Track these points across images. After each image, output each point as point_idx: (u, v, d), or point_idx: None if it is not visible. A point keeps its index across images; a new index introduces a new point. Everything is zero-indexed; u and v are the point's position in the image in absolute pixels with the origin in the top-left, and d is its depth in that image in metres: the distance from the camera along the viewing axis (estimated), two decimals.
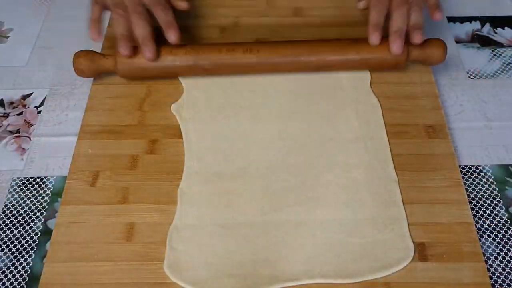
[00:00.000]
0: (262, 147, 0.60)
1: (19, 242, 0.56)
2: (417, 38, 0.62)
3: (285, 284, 0.50)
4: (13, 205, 0.59)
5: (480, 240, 0.54)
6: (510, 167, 0.61)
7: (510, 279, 0.53)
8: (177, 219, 0.55)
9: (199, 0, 0.78)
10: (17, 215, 0.58)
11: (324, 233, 0.53)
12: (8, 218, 0.58)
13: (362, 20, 0.75)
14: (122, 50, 0.62)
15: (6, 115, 0.67)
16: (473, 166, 0.61)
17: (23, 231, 0.57)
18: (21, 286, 0.53)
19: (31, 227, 0.57)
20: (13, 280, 0.53)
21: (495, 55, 0.73)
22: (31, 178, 0.61)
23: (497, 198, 0.58)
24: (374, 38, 0.62)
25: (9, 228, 0.57)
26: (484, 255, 0.54)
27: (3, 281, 0.53)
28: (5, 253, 0.55)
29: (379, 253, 0.52)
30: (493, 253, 0.54)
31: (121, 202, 0.57)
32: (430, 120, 0.63)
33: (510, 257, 0.54)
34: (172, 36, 0.63)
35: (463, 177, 0.59)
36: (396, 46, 0.62)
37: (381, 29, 0.62)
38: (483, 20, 0.77)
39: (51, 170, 0.61)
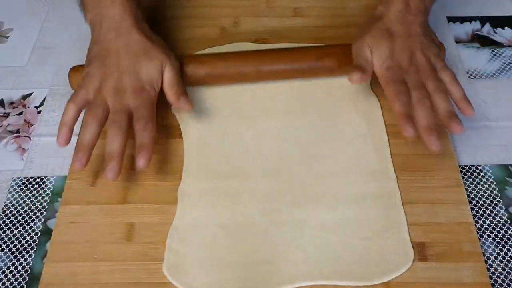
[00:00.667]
0: (262, 147, 0.61)
1: (19, 242, 0.56)
2: (457, 128, 0.56)
3: (285, 286, 0.50)
4: (13, 205, 0.59)
5: (480, 240, 0.54)
6: (510, 167, 0.61)
7: (510, 278, 0.53)
8: (176, 219, 0.55)
9: (198, 0, 0.78)
10: (17, 215, 0.58)
11: (324, 233, 0.53)
12: (8, 218, 0.58)
13: (362, 21, 0.76)
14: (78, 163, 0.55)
15: (6, 115, 0.67)
16: (473, 166, 0.61)
17: (23, 231, 0.57)
18: (21, 286, 0.53)
19: (31, 227, 0.57)
20: (13, 280, 0.53)
21: (495, 55, 0.73)
22: (31, 178, 0.61)
23: (497, 198, 0.58)
24: (410, 132, 0.55)
25: (9, 228, 0.57)
26: (484, 255, 0.54)
27: (3, 281, 0.53)
28: (5, 253, 0.55)
29: (379, 257, 0.52)
30: (493, 253, 0.54)
31: (121, 202, 0.57)
32: None
33: (510, 257, 0.54)
34: (140, 160, 0.54)
35: (463, 177, 0.59)
36: (432, 144, 0.55)
37: (410, 119, 0.56)
38: (483, 20, 0.77)
39: (51, 170, 0.61)
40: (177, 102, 0.61)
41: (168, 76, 0.61)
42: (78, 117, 0.58)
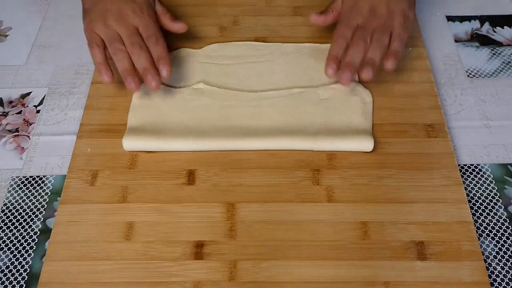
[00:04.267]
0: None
1: (19, 241, 0.56)
2: (365, 74, 0.61)
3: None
4: (12, 204, 0.59)
5: (479, 239, 0.55)
6: (509, 166, 0.61)
7: (509, 277, 0.53)
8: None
9: None
10: (16, 214, 0.58)
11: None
12: (8, 217, 0.58)
13: None
14: (129, 85, 0.62)
15: (5, 114, 0.67)
16: (472, 165, 0.61)
17: (22, 230, 0.57)
18: (20, 285, 0.53)
19: (30, 226, 0.57)
20: (13, 279, 0.53)
21: (494, 54, 0.73)
22: (30, 177, 0.61)
23: (496, 197, 0.58)
24: (330, 70, 0.62)
25: (8, 227, 0.57)
26: (483, 254, 0.54)
27: (2, 280, 0.53)
28: (4, 252, 0.55)
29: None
30: (492, 252, 0.54)
31: (120, 201, 0.57)
32: (429, 119, 0.63)
33: (509, 255, 0.54)
34: (164, 70, 0.62)
35: (462, 176, 0.59)
36: (343, 78, 0.61)
37: (338, 62, 0.62)
38: (482, 19, 0.77)
39: (50, 169, 0.61)
40: (172, 24, 0.68)
41: (159, 5, 0.68)
42: (105, 53, 0.63)
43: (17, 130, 0.66)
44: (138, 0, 0.66)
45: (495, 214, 0.57)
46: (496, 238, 0.55)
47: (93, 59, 0.64)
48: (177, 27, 0.68)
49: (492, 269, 0.53)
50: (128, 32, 0.63)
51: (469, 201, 0.57)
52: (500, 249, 0.55)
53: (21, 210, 0.58)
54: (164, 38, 0.65)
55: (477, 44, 0.74)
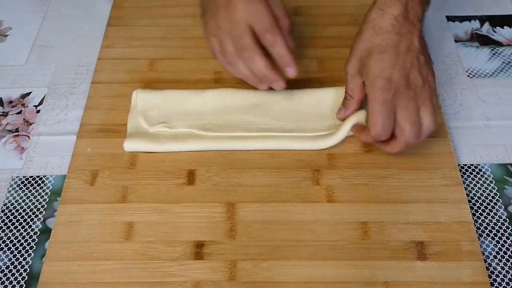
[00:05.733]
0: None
1: (19, 241, 0.56)
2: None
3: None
4: (12, 204, 0.59)
5: (479, 239, 0.55)
6: (509, 166, 0.61)
7: (509, 277, 0.53)
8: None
9: None
10: (16, 214, 0.58)
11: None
12: (8, 217, 0.58)
13: (361, 20, 0.76)
14: (262, 87, 0.61)
15: (5, 114, 0.67)
16: (472, 165, 0.61)
17: (22, 230, 0.57)
18: (20, 285, 0.53)
19: (30, 226, 0.57)
20: (13, 279, 0.53)
21: (494, 54, 0.73)
22: (30, 177, 0.61)
23: (496, 197, 0.58)
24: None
25: (8, 227, 0.57)
26: (483, 254, 0.54)
27: (2, 280, 0.53)
28: (4, 252, 0.55)
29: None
30: (492, 252, 0.54)
31: (120, 201, 0.57)
32: None
33: (509, 255, 0.54)
34: (289, 71, 0.58)
35: (462, 176, 0.59)
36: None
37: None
38: (482, 19, 0.77)
39: (50, 169, 0.61)
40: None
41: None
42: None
43: (17, 130, 0.66)
44: None
45: (495, 214, 0.57)
46: (496, 238, 0.55)
47: (257, 68, 0.58)
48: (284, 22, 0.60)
49: (492, 269, 0.53)
50: (236, 32, 0.57)
51: (469, 201, 0.57)
52: (500, 249, 0.55)
53: (21, 210, 0.58)
54: (279, 32, 0.57)
55: (477, 44, 0.74)
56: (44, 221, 0.57)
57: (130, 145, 0.61)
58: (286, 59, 0.58)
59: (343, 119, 0.61)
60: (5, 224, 0.57)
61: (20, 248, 0.55)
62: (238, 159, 0.60)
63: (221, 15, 0.57)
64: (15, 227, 0.57)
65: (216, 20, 0.58)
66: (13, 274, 0.54)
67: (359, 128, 0.60)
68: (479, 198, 0.58)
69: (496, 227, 0.56)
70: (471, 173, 0.60)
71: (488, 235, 0.56)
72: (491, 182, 0.60)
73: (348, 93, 0.59)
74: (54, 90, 0.70)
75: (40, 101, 0.68)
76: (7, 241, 0.56)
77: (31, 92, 0.69)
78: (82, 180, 0.59)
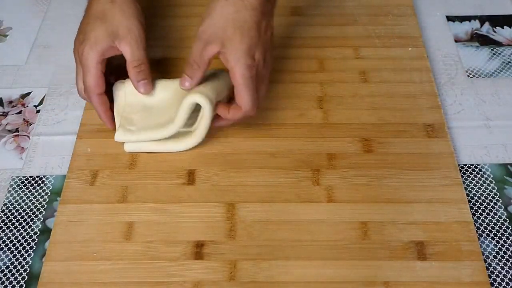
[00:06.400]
0: None
1: (18, 241, 0.56)
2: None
3: None
4: (12, 204, 0.59)
5: (479, 239, 0.54)
6: (509, 166, 0.61)
7: (509, 277, 0.53)
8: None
9: None
10: (16, 214, 0.58)
11: None
12: (7, 217, 0.58)
13: (361, 19, 0.76)
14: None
15: (5, 114, 0.67)
16: (472, 165, 0.61)
17: (22, 230, 0.57)
18: (20, 285, 0.53)
19: (30, 226, 0.57)
20: (12, 279, 0.53)
21: (494, 54, 0.73)
22: (30, 177, 0.61)
23: (496, 197, 0.58)
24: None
25: (8, 228, 0.57)
26: (483, 253, 0.54)
27: (3, 280, 0.53)
28: (4, 252, 0.55)
29: None
30: (492, 252, 0.54)
31: (120, 201, 0.57)
32: (429, 119, 0.63)
33: (509, 255, 0.54)
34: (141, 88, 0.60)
35: (462, 176, 0.59)
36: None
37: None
38: (482, 19, 0.77)
39: (50, 169, 0.61)
40: (135, 83, 0.59)
41: (128, 49, 0.59)
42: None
43: (17, 130, 0.66)
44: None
45: (495, 214, 0.57)
46: (496, 238, 0.55)
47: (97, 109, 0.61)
48: (140, 89, 0.60)
49: (492, 269, 0.53)
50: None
51: (469, 201, 0.57)
52: (500, 249, 0.55)
53: (21, 210, 0.58)
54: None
55: (477, 44, 0.74)
56: (44, 221, 0.57)
57: (130, 146, 0.61)
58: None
59: (189, 90, 0.58)
60: (5, 224, 0.57)
61: (20, 248, 0.55)
62: (238, 159, 0.60)
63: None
64: (15, 227, 0.57)
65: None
66: (13, 274, 0.54)
67: (223, 107, 0.58)
68: (479, 198, 0.58)
69: (496, 227, 0.56)
70: (471, 173, 0.60)
71: (488, 235, 0.56)
72: (491, 182, 0.60)
73: (195, 60, 0.57)
74: (54, 90, 0.70)
75: (40, 101, 0.68)
76: (7, 241, 0.56)
77: (31, 92, 0.69)
78: (82, 180, 0.59)
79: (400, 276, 0.51)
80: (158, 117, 0.60)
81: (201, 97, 0.57)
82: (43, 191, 0.60)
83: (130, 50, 0.58)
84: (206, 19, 0.57)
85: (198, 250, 0.54)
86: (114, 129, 0.60)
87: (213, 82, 0.59)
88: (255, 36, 0.56)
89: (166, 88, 0.61)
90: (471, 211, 0.56)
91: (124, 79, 0.62)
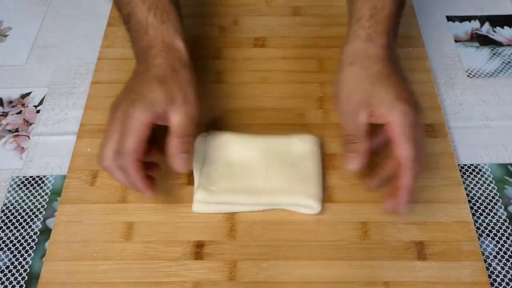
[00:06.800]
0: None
1: (19, 241, 0.56)
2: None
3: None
4: (12, 204, 0.59)
5: (479, 239, 0.55)
6: (509, 166, 0.61)
7: (509, 277, 0.53)
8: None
9: None
10: (16, 214, 0.58)
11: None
12: (7, 217, 0.58)
13: None
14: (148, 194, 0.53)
15: (5, 114, 0.67)
16: (472, 165, 0.61)
17: (22, 230, 0.57)
18: (20, 285, 0.53)
19: (30, 226, 0.57)
20: (13, 279, 0.53)
21: (494, 54, 0.73)
22: (30, 177, 0.61)
23: (496, 197, 0.58)
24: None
25: (8, 228, 0.57)
26: (483, 254, 0.54)
27: (3, 280, 0.53)
28: (4, 252, 0.55)
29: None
30: (492, 252, 0.54)
31: (120, 201, 0.57)
32: (429, 119, 0.63)
33: (509, 255, 0.54)
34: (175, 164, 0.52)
35: (462, 176, 0.59)
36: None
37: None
38: (482, 19, 0.77)
39: (50, 169, 0.61)
40: (174, 154, 0.52)
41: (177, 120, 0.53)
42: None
43: (17, 130, 0.66)
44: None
45: (495, 214, 0.57)
46: (496, 238, 0.55)
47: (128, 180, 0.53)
48: (176, 165, 0.53)
49: (492, 269, 0.53)
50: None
51: (469, 201, 0.57)
52: (500, 249, 0.55)
53: (21, 210, 0.58)
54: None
55: (477, 44, 0.74)
56: (44, 221, 0.57)
57: (201, 208, 0.56)
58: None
59: (359, 168, 0.52)
60: (5, 224, 0.57)
61: (20, 248, 0.55)
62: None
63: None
64: (15, 227, 0.57)
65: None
66: (13, 274, 0.54)
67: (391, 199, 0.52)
68: (479, 198, 0.58)
69: (496, 227, 0.56)
70: (471, 173, 0.60)
71: (488, 235, 0.56)
72: (491, 182, 0.60)
73: (350, 134, 0.53)
74: (54, 90, 0.70)
75: (40, 101, 0.68)
76: (7, 241, 0.56)
77: (31, 92, 0.69)
78: (82, 180, 0.59)
79: (400, 276, 0.51)
80: (241, 177, 0.57)
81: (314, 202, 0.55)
82: (43, 191, 0.60)
83: (183, 121, 0.52)
84: (341, 93, 0.54)
85: (198, 250, 0.54)
86: (153, 196, 0.53)
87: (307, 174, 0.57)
88: (397, 81, 0.52)
89: (247, 146, 0.59)
90: (471, 211, 0.56)
91: (208, 132, 0.60)
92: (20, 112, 0.67)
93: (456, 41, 0.75)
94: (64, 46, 0.75)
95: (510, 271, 0.53)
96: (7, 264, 0.54)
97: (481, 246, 0.54)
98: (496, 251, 0.54)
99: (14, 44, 0.76)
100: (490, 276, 0.52)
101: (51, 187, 0.60)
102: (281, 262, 0.53)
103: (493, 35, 0.75)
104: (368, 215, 0.56)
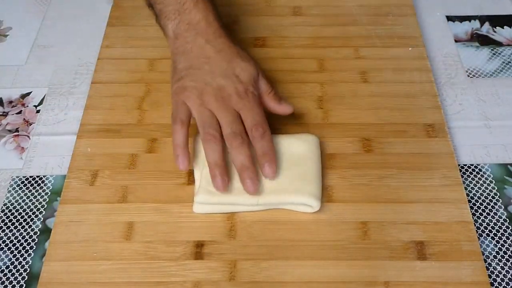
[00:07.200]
0: None
1: (19, 241, 0.56)
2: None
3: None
4: (12, 204, 0.59)
5: (479, 239, 0.55)
6: (509, 166, 0.61)
7: (509, 277, 0.53)
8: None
9: None
10: (16, 214, 0.58)
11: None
12: (8, 217, 0.58)
13: (361, 19, 0.76)
14: (217, 185, 0.54)
15: (5, 114, 0.67)
16: (472, 165, 0.61)
17: (22, 230, 0.57)
18: (20, 285, 0.53)
19: (30, 226, 0.57)
20: (13, 279, 0.53)
21: (494, 54, 0.73)
22: (30, 177, 0.61)
23: (496, 197, 0.58)
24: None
25: (8, 227, 0.57)
26: (483, 253, 0.54)
27: (3, 280, 0.53)
28: (4, 252, 0.55)
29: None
30: (492, 252, 0.54)
31: (120, 201, 0.57)
32: (429, 119, 0.63)
33: (509, 255, 0.54)
34: (268, 169, 0.54)
35: (462, 176, 0.59)
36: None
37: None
38: (482, 19, 0.77)
39: (50, 169, 0.61)
40: (277, 106, 0.59)
41: (263, 82, 0.59)
42: (188, 135, 0.55)
43: (17, 130, 0.66)
44: (243, 78, 0.57)
45: (495, 214, 0.57)
46: (496, 238, 0.55)
47: (173, 137, 0.55)
48: (283, 109, 0.59)
49: (492, 269, 0.53)
50: (229, 118, 0.55)
51: (469, 201, 0.57)
52: (500, 249, 0.55)
53: (21, 210, 0.58)
54: (269, 128, 0.56)
55: (477, 44, 0.74)
56: (44, 221, 0.57)
57: (202, 208, 0.56)
58: (269, 156, 0.55)
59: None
60: (5, 224, 0.57)
61: (20, 248, 0.55)
62: None
63: (210, 94, 0.56)
64: (15, 227, 0.57)
65: (201, 96, 0.56)
66: (13, 274, 0.54)
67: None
68: (479, 198, 0.58)
69: (496, 227, 0.56)
70: (471, 173, 0.60)
71: (488, 235, 0.56)
72: (491, 182, 0.60)
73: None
74: (54, 90, 0.70)
75: (40, 101, 0.68)
76: (7, 241, 0.56)
77: (31, 92, 0.69)
78: (82, 180, 0.59)
79: (400, 276, 0.51)
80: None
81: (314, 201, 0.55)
82: (43, 191, 0.60)
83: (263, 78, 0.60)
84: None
85: (198, 250, 0.54)
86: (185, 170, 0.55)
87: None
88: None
89: None
90: (471, 211, 0.56)
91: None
92: (20, 112, 0.68)
93: (456, 41, 0.75)
94: (64, 46, 0.75)
95: (510, 271, 0.53)
96: (7, 264, 0.54)
97: (481, 246, 0.54)
98: (496, 251, 0.54)
99: (14, 44, 0.76)
100: (490, 276, 0.52)
101: (51, 187, 0.60)
102: (281, 262, 0.53)
103: (493, 35, 0.75)
104: (368, 215, 0.56)
